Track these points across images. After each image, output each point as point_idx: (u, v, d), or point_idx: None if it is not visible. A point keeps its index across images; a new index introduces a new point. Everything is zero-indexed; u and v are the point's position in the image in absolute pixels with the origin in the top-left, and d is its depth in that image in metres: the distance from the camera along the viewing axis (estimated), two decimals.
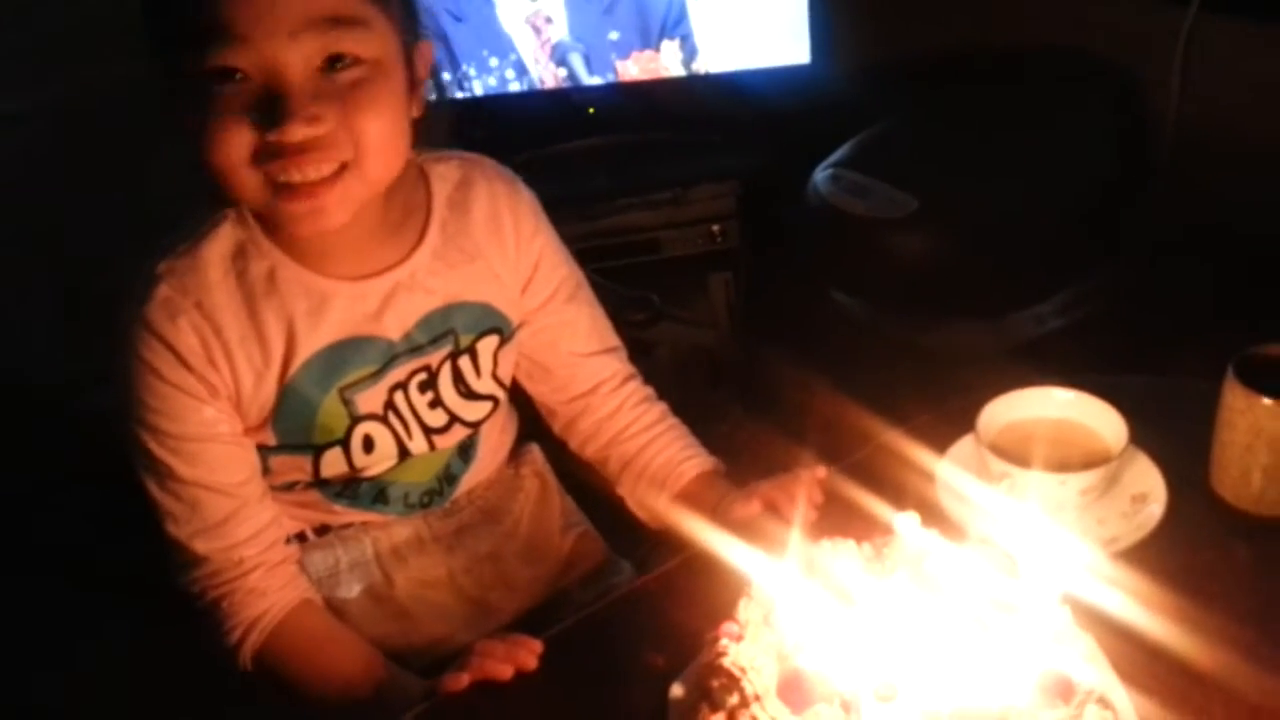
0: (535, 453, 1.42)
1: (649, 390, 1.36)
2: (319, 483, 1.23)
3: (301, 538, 1.27)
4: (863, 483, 1.15)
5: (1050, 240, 2.03)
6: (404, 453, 1.23)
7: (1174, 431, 1.20)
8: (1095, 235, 2.12)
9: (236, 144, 1.03)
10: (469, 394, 1.25)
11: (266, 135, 1.02)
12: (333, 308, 1.16)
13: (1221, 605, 1.04)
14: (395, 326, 1.19)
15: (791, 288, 2.29)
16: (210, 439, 1.14)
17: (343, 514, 1.28)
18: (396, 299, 1.18)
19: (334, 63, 1.04)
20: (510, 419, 1.39)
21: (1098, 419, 1.17)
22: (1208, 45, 2.08)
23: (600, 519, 1.44)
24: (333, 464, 1.20)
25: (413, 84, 1.13)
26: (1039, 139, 2.10)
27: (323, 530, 1.28)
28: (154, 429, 1.13)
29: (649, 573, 1.24)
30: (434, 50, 1.16)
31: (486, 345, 1.25)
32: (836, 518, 1.12)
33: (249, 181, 1.05)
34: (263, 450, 1.19)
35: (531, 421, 1.40)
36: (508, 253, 1.25)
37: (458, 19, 2.35)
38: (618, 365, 1.34)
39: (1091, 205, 2.12)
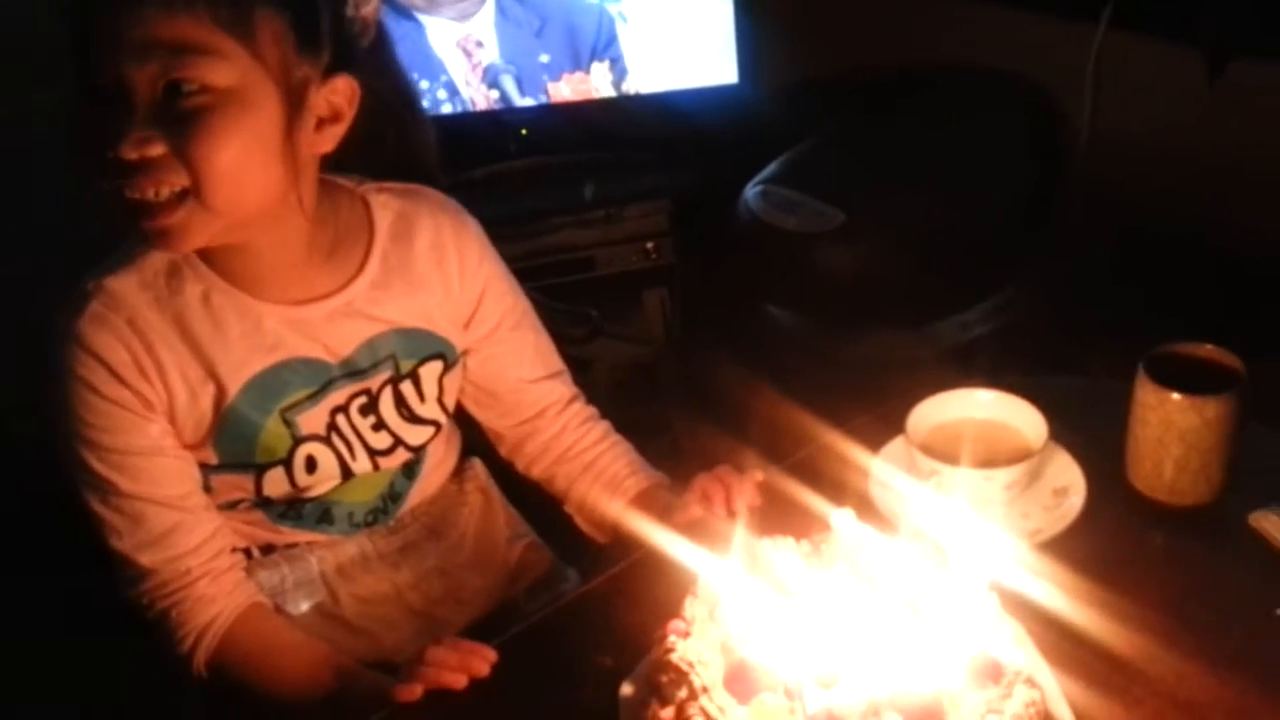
0: (478, 467, 1.44)
1: (592, 410, 1.39)
2: (262, 502, 1.24)
3: (247, 554, 1.28)
4: (801, 482, 1.18)
5: (973, 250, 2.08)
6: (347, 473, 1.25)
7: (1092, 429, 1.25)
8: (1016, 244, 2.19)
9: (91, 159, 1.04)
10: (412, 418, 1.27)
11: (113, 150, 1.03)
12: (268, 331, 1.17)
13: (1140, 592, 1.09)
14: (333, 350, 1.21)
15: (725, 302, 2.32)
16: (150, 452, 1.15)
17: (287, 534, 1.29)
18: (335, 324, 1.20)
19: (177, 88, 1.03)
20: (454, 436, 1.41)
21: (1020, 418, 1.23)
22: (1118, 60, 2.16)
23: (546, 529, 1.46)
24: (275, 483, 1.22)
25: (319, 120, 1.12)
26: (959, 153, 2.16)
27: (268, 549, 1.29)
28: (93, 444, 1.14)
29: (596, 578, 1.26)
30: (354, 88, 1.14)
31: (430, 371, 1.27)
32: (777, 516, 1.15)
33: (110, 199, 1.06)
34: (204, 469, 1.20)
35: (474, 436, 1.42)
36: (451, 283, 1.27)
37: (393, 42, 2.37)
38: (562, 388, 1.37)
39: (1011, 215, 2.18)
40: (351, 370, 1.22)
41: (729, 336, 2.28)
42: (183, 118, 1.04)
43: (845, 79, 2.51)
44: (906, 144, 2.22)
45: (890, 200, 2.10)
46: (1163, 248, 2.03)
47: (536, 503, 1.43)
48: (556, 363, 1.38)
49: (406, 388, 1.26)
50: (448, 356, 1.28)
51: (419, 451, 1.31)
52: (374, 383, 1.24)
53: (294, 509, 1.27)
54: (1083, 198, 2.23)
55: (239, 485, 1.22)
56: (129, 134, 1.02)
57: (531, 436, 1.36)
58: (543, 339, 1.37)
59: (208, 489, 1.21)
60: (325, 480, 1.24)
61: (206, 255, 1.16)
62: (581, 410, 1.37)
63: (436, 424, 1.30)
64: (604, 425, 1.38)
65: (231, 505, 1.24)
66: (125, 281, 1.15)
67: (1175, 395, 1.14)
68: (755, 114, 2.43)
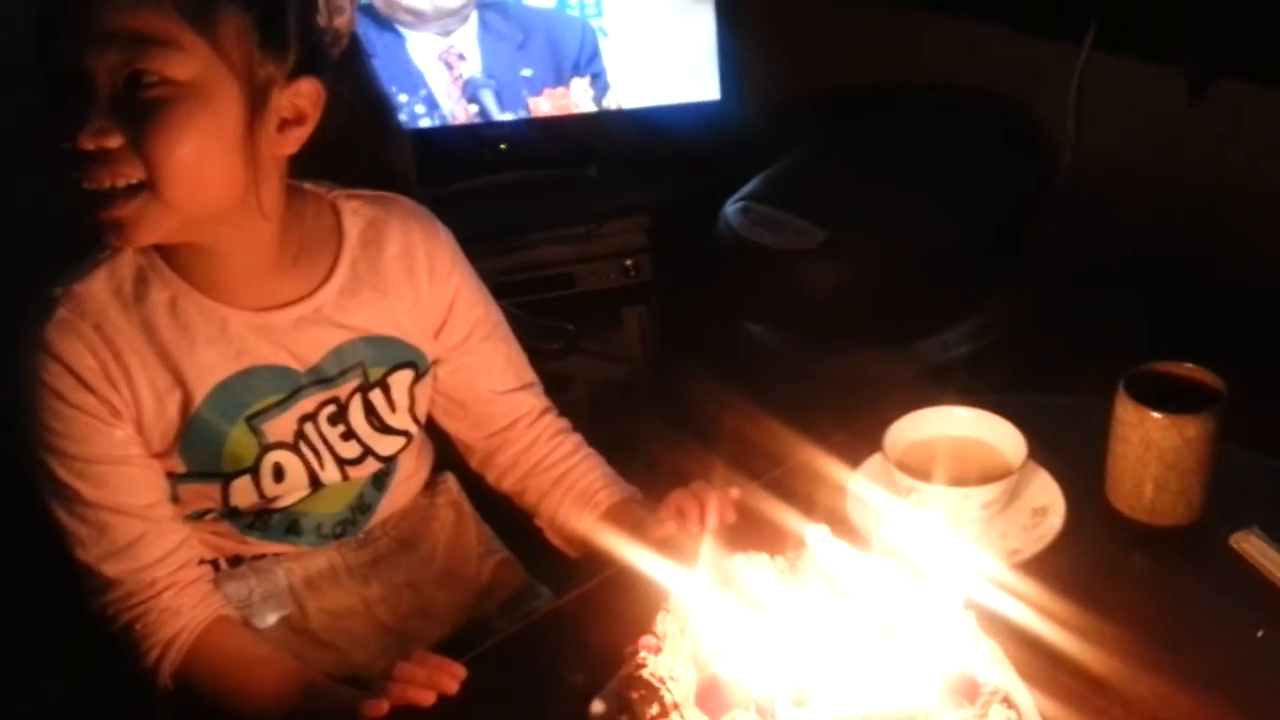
0: (450, 482, 1.42)
1: (565, 422, 1.37)
2: (229, 513, 1.22)
3: (215, 566, 1.26)
4: (777, 499, 1.17)
5: (953, 269, 2.08)
6: (315, 482, 1.23)
7: (1072, 448, 1.24)
8: (997, 264, 2.19)
9: (54, 148, 1.03)
10: (382, 428, 1.26)
11: (64, 142, 1.02)
12: (234, 337, 1.16)
13: (1119, 612, 1.08)
14: (301, 357, 1.19)
15: (704, 319, 2.32)
16: (116, 461, 1.14)
17: (255, 545, 1.27)
18: (302, 331, 1.19)
19: (138, 80, 1.03)
20: (425, 448, 1.39)
21: (998, 436, 1.22)
22: (1101, 80, 2.17)
23: (518, 546, 1.45)
24: (242, 493, 1.20)
25: (282, 121, 1.11)
26: (942, 172, 2.17)
27: (235, 561, 1.28)
28: (58, 452, 1.13)
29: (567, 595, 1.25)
30: (320, 91, 1.13)
31: (400, 380, 1.26)
32: (752, 533, 1.14)
33: (70, 192, 1.05)
34: (171, 478, 1.18)
35: (446, 451, 1.41)
36: (421, 292, 1.26)
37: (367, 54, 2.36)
38: (534, 400, 1.36)
39: (992, 235, 2.18)
40: (319, 378, 1.21)
41: (707, 354, 2.28)
42: (142, 110, 1.03)
43: (827, 96, 2.51)
44: (888, 162, 2.22)
45: (871, 218, 2.10)
46: (1146, 267, 2.03)
47: (510, 520, 1.42)
48: (528, 374, 1.36)
49: (376, 396, 1.24)
50: (418, 365, 1.27)
51: (389, 462, 1.29)
52: (342, 391, 1.22)
53: (262, 520, 1.25)
54: (1065, 217, 2.23)
55: (206, 495, 1.20)
56: (88, 124, 1.01)
57: (502, 449, 1.35)
58: (514, 350, 1.35)
59: (175, 499, 1.19)
60: (293, 490, 1.23)
61: (173, 261, 1.15)
62: (554, 423, 1.36)
63: (407, 434, 1.29)
64: (576, 438, 1.37)
65: (199, 516, 1.22)
66: (92, 287, 1.13)
67: (1155, 414, 1.13)
68: (736, 130, 2.43)
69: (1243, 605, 1.11)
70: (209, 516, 1.23)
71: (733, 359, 2.24)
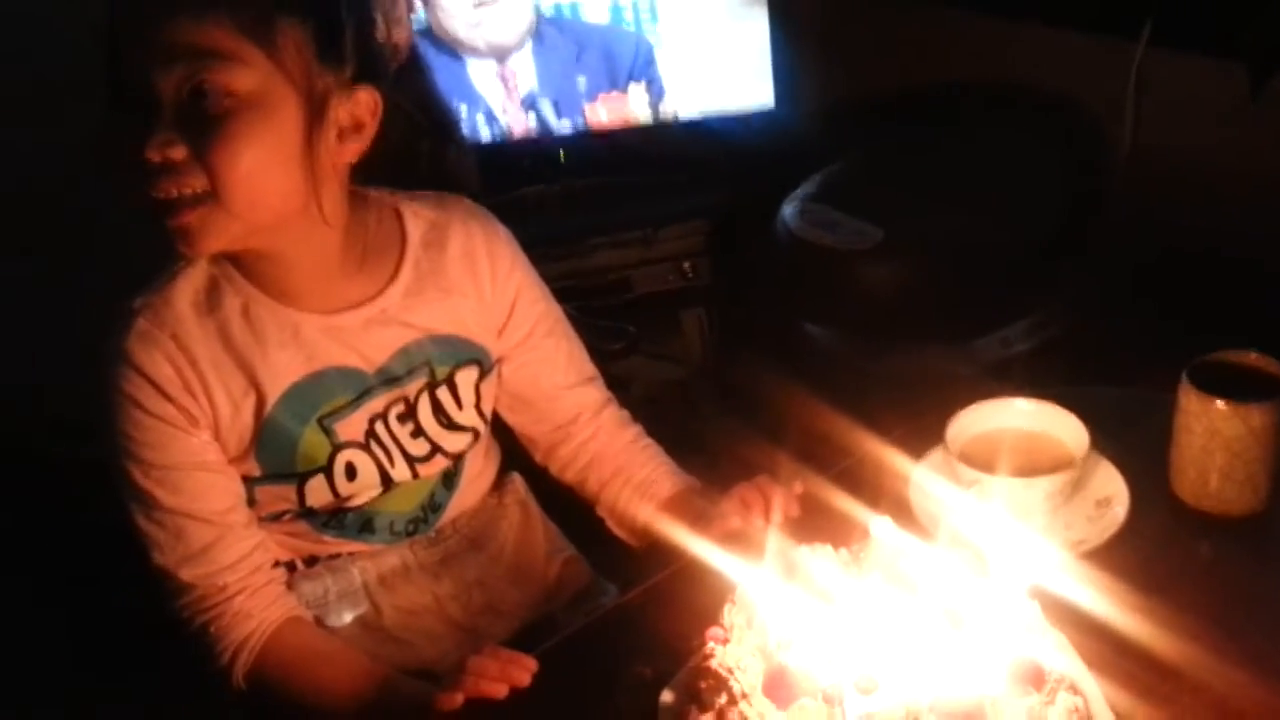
0: (517, 481, 1.45)
1: (625, 413, 1.40)
2: (305, 513, 1.25)
3: (291, 568, 1.29)
4: (841, 491, 1.18)
5: (1012, 266, 2.07)
6: (387, 480, 1.26)
7: (1135, 439, 1.24)
8: (1055, 261, 2.17)
9: (122, 161, 1.07)
10: (450, 425, 1.28)
11: (139, 150, 1.06)
12: (305, 340, 1.19)
13: (1186, 601, 1.08)
14: (369, 358, 1.22)
15: (763, 321, 2.32)
16: (193, 467, 1.17)
17: (331, 544, 1.30)
18: (370, 332, 1.22)
19: (200, 93, 1.06)
20: (493, 448, 1.42)
21: (1061, 427, 1.22)
22: (1158, 76, 2.15)
23: (585, 545, 1.47)
24: (317, 492, 1.23)
25: (340, 130, 1.14)
26: (998, 170, 2.16)
27: (311, 561, 1.31)
28: (139, 460, 1.16)
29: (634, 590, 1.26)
30: (377, 101, 1.15)
31: (466, 378, 1.28)
32: (816, 525, 1.15)
33: (138, 201, 1.08)
34: (248, 481, 1.21)
35: (513, 451, 1.43)
36: (484, 290, 1.29)
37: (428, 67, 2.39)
38: (596, 394, 1.38)
39: (1050, 232, 2.17)
40: (388, 378, 1.24)
41: (767, 355, 2.28)
42: (205, 122, 1.07)
43: (880, 99, 2.51)
44: (944, 162, 2.21)
45: (929, 218, 2.09)
46: (1205, 264, 2.01)
47: (576, 519, 1.44)
48: (589, 369, 1.39)
49: (443, 394, 1.27)
50: (483, 363, 1.29)
51: (457, 460, 1.32)
52: (410, 390, 1.25)
53: (336, 519, 1.28)
54: (1124, 213, 2.21)
55: (283, 496, 1.23)
56: (153, 137, 1.05)
57: (565, 442, 1.37)
58: (575, 345, 1.38)
59: (253, 502, 1.22)
60: (366, 488, 1.25)
61: (244, 269, 1.19)
62: (615, 414, 1.38)
63: (474, 431, 1.31)
64: (636, 429, 1.39)
65: (276, 517, 1.25)
66: (169, 298, 1.17)
67: (1220, 403, 1.13)
68: (790, 134, 2.44)
69: None
70: (286, 517, 1.26)
71: (792, 359, 2.24)
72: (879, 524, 1.02)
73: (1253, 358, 1.18)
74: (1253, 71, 1.96)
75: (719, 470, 1.38)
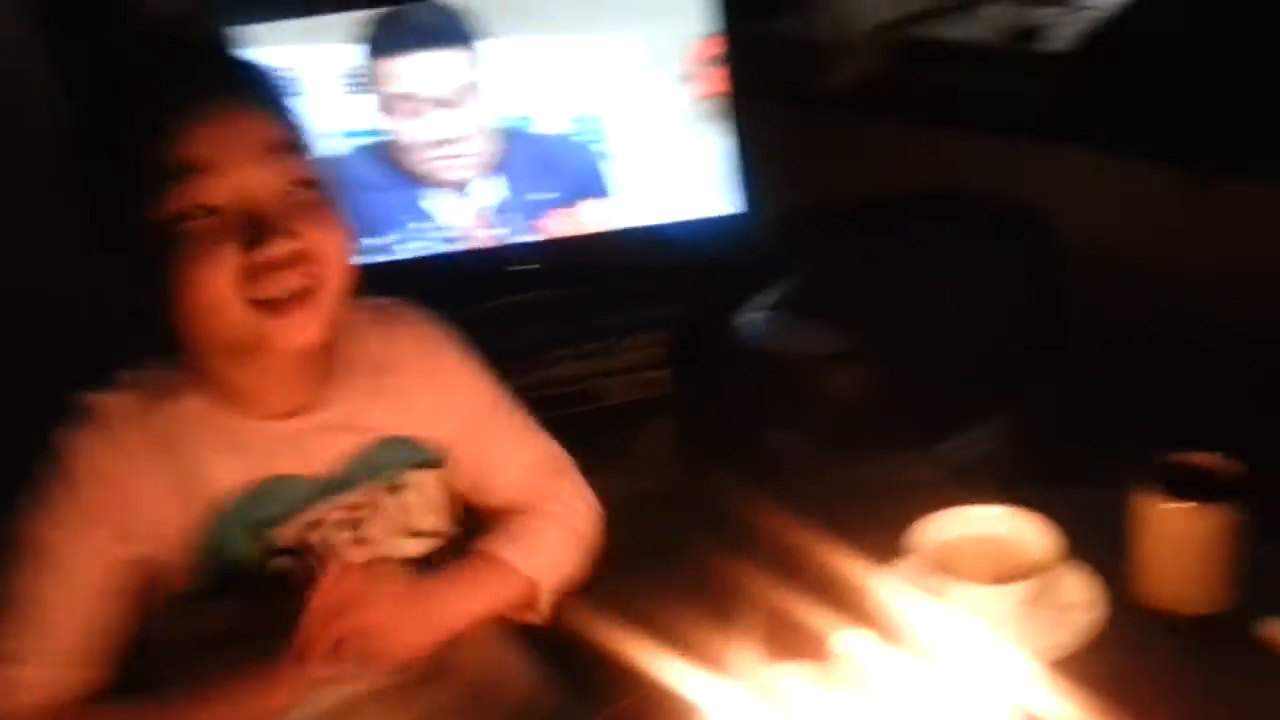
0: None
1: (574, 501, 1.40)
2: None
3: None
4: (810, 604, 1.16)
5: (975, 368, 2.09)
6: None
7: (1105, 541, 1.23)
8: (1018, 361, 2.19)
9: (224, 272, 1.07)
10: (409, 531, 1.27)
11: (252, 256, 1.07)
12: (252, 447, 1.18)
13: (1163, 708, 1.07)
14: (318, 464, 1.22)
15: (728, 429, 2.32)
16: (80, 567, 1.14)
17: None
18: (321, 437, 1.22)
19: (295, 185, 1.10)
20: None
21: (1028, 533, 1.21)
22: (1108, 183, 2.21)
23: (556, 666, 1.44)
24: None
25: None
26: (956, 274, 2.18)
27: None
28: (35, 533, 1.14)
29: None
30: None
31: (423, 479, 1.28)
32: (785, 640, 1.13)
33: (232, 309, 1.09)
34: (186, 594, 1.18)
35: None
36: (436, 389, 1.30)
37: (378, 190, 2.40)
38: (554, 481, 1.39)
39: (1011, 333, 2.19)
40: (336, 485, 1.23)
41: (733, 463, 2.27)
42: (306, 209, 1.10)
43: (839, 207, 2.55)
44: (904, 268, 2.24)
45: (890, 323, 2.11)
46: (1165, 358, 2.04)
47: (545, 641, 1.41)
48: (548, 454, 1.40)
49: (400, 498, 1.26)
50: (436, 462, 1.29)
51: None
52: (357, 497, 1.24)
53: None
54: (1083, 312, 2.25)
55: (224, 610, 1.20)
56: (278, 229, 1.07)
57: (509, 511, 1.37)
58: (531, 434, 1.39)
59: (202, 615, 1.19)
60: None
61: (204, 372, 1.18)
62: (559, 497, 1.38)
63: (440, 535, 1.30)
64: (560, 509, 1.38)
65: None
66: (119, 401, 1.17)
67: (1171, 505, 1.14)
68: (750, 242, 2.46)
69: (1275, 691, 1.09)
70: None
71: (757, 468, 2.23)
72: (849, 639, 1.01)
73: (1210, 458, 1.18)
74: (1195, 172, 2.03)
75: (705, 580, 1.37)
